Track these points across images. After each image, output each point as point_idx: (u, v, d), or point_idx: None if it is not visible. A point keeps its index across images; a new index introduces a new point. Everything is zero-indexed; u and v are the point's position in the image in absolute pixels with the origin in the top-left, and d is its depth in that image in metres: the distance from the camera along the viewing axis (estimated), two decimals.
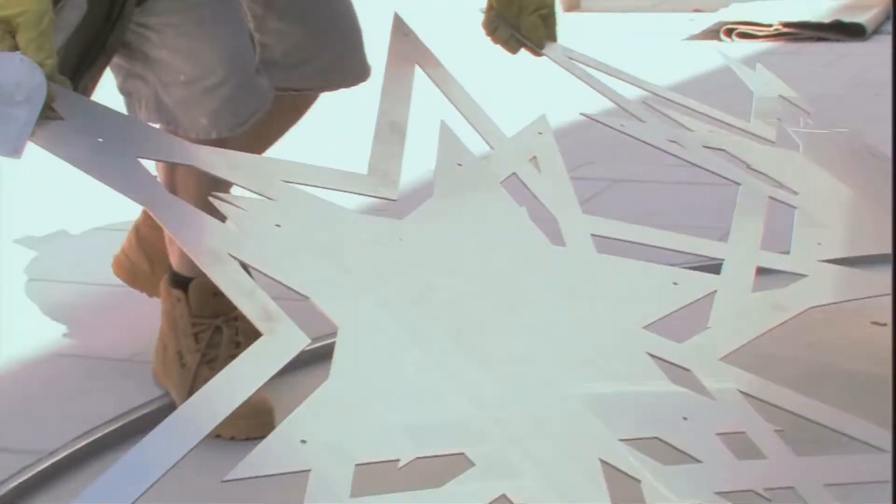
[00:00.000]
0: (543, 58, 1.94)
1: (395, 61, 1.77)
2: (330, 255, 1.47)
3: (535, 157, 1.73)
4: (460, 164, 1.67)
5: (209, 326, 1.87)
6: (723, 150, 1.92)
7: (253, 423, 1.76)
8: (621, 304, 1.59)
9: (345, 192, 1.56)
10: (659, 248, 1.70)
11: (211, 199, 1.47)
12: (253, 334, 1.68)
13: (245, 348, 1.60)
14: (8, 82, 1.40)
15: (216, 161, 1.53)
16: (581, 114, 1.86)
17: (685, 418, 1.47)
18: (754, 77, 2.19)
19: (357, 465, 1.28)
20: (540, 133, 1.77)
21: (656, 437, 1.43)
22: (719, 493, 1.38)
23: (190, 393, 1.81)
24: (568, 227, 1.65)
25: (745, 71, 2.19)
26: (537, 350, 1.50)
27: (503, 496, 1.30)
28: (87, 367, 2.03)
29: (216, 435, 1.69)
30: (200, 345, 1.86)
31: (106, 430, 1.80)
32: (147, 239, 2.12)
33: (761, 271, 1.71)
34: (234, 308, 1.71)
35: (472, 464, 1.33)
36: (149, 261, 2.13)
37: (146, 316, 2.08)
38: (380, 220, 1.56)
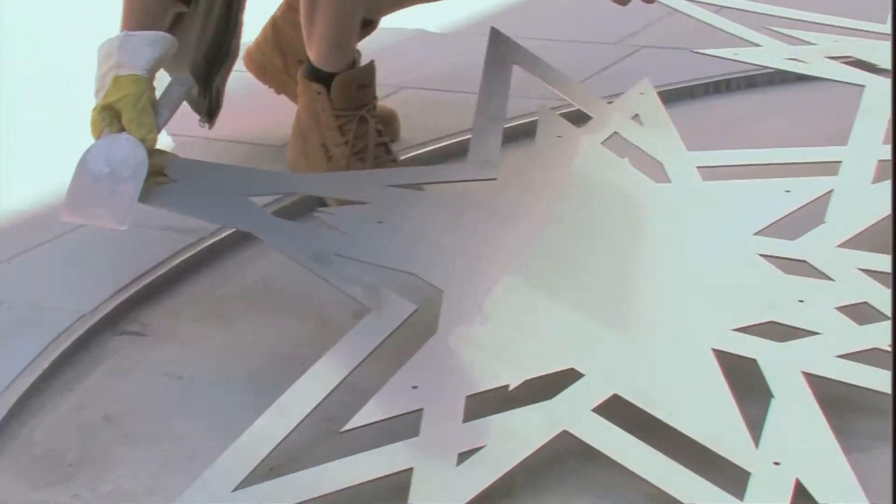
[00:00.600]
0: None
1: (493, 64, 1.84)
2: (427, 236, 1.53)
3: (637, 116, 1.76)
4: (560, 136, 1.71)
5: (353, 118, 1.89)
6: (848, 56, 1.93)
7: None
8: (730, 218, 1.57)
9: (447, 182, 1.63)
10: (770, 164, 1.68)
11: (316, 214, 1.58)
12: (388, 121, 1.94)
13: (385, 135, 1.83)
14: (117, 159, 1.57)
15: (318, 183, 1.63)
16: (692, 51, 1.90)
17: (801, 301, 1.44)
18: None
19: (468, 396, 1.32)
20: (642, 94, 1.80)
21: (771, 321, 1.40)
22: (840, 356, 1.35)
23: None
24: (672, 166, 1.66)
25: None
26: (647, 268, 1.52)
27: (615, 396, 1.31)
28: (243, 151, 2.07)
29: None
30: (347, 136, 1.88)
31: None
32: (284, 34, 2.13)
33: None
34: (374, 98, 1.90)
35: (581, 375, 1.34)
36: (282, 56, 2.13)
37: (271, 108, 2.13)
38: (473, 199, 1.59)
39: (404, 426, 1.30)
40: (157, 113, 1.62)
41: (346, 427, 1.30)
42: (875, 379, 1.33)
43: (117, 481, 1.33)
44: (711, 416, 1.29)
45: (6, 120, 2.23)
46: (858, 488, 1.20)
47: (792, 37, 1.97)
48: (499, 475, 1.24)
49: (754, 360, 1.35)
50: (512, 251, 1.53)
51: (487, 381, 1.34)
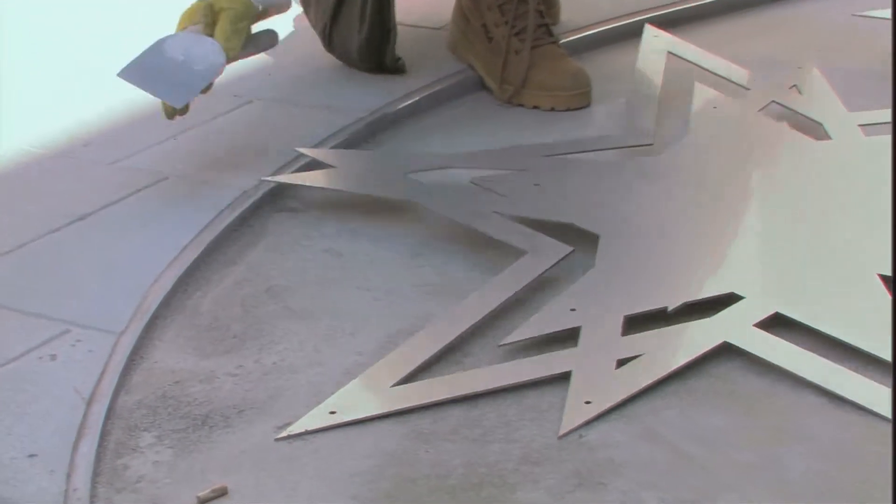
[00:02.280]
0: None
1: (647, 52, 1.91)
2: (582, 194, 1.58)
3: (794, 86, 1.78)
4: (715, 107, 1.75)
5: None
6: None
7: (573, 94, 1.88)
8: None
9: (605, 149, 1.68)
10: None
11: (472, 183, 1.63)
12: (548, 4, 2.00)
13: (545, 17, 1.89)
14: (196, 53, 1.68)
15: (476, 159, 1.69)
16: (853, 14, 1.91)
17: None
18: None
19: (626, 315, 1.37)
20: (800, 67, 1.82)
21: None
22: None
23: (504, 64, 1.89)
24: (833, 125, 1.69)
25: None
26: (807, 210, 1.55)
27: (776, 314, 1.35)
28: (403, 33, 2.05)
29: (534, 106, 1.89)
30: (507, 17, 1.91)
31: (423, 94, 1.91)
32: None
33: None
34: None
35: (740, 297, 1.38)
36: None
37: None
38: (629, 163, 1.64)
39: (562, 346, 1.35)
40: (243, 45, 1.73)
41: (505, 341, 1.36)
42: None
43: (281, 353, 1.39)
44: (881, 332, 1.32)
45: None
46: None
47: None
48: (658, 377, 1.29)
49: None
50: (669, 201, 1.58)
51: (645, 304, 1.38)
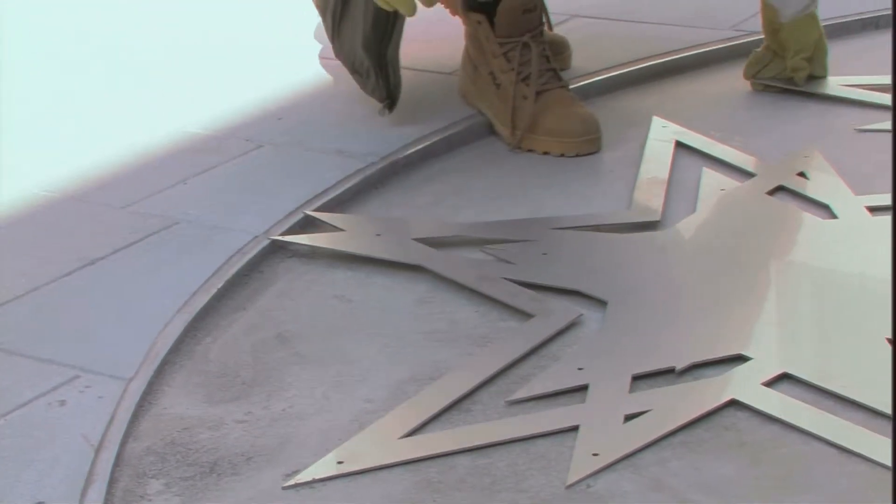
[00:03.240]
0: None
1: (654, 139, 1.93)
2: (590, 263, 1.62)
3: (802, 172, 1.81)
4: (723, 189, 1.78)
5: (517, 44, 1.94)
6: None
7: (583, 140, 1.90)
8: None
9: (613, 223, 1.71)
10: None
11: (482, 252, 1.66)
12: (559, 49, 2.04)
13: (553, 62, 1.93)
14: None
15: (484, 230, 1.71)
16: (856, 129, 1.93)
17: None
18: None
19: (633, 374, 1.39)
20: (807, 156, 1.85)
21: None
22: None
23: (513, 110, 1.91)
24: (840, 206, 1.72)
25: None
26: (816, 279, 1.57)
27: (784, 373, 1.37)
28: (414, 77, 2.11)
29: (544, 152, 1.91)
30: (513, 63, 1.93)
31: (433, 140, 1.93)
32: None
33: None
34: (540, 23, 1.96)
35: (748, 359, 1.40)
36: None
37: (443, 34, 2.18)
38: (636, 237, 1.68)
39: (571, 402, 1.37)
40: None
41: (514, 397, 1.39)
42: None
43: (290, 400, 1.41)
44: (887, 388, 1.34)
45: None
46: None
47: None
48: (666, 430, 1.31)
49: None
50: (676, 271, 1.62)
51: (653, 364, 1.41)
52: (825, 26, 2.09)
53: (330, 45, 2.05)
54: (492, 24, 1.94)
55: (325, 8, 2.02)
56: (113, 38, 2.40)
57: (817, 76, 2.06)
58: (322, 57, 2.24)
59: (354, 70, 1.98)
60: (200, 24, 2.46)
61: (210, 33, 2.42)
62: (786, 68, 2.04)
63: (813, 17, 2.03)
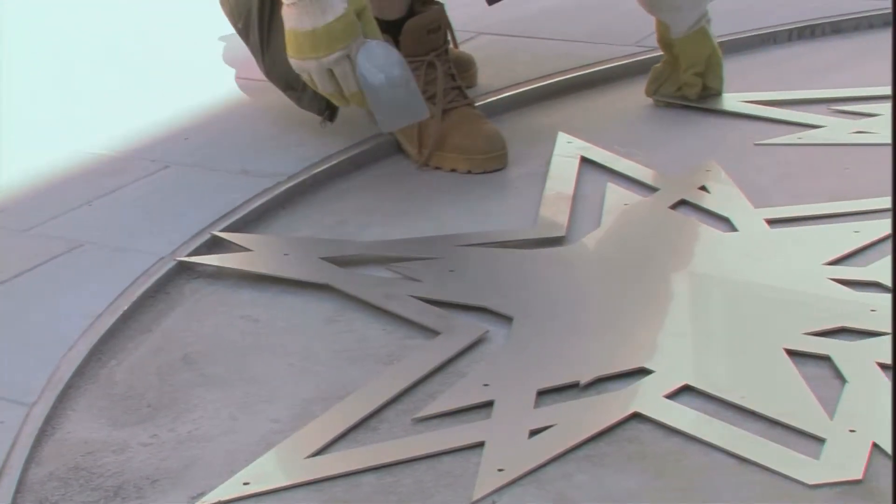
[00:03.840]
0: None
1: (560, 155, 1.95)
2: (496, 280, 1.63)
3: (703, 186, 1.84)
4: (626, 204, 1.81)
5: (422, 63, 1.95)
6: None
7: (489, 156, 1.91)
8: (799, 252, 1.65)
9: (519, 240, 1.73)
10: (842, 213, 1.74)
11: (389, 270, 1.66)
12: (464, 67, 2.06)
13: (458, 80, 1.96)
14: (383, 64, 1.78)
15: (390, 248, 1.71)
16: (755, 143, 1.96)
17: (873, 310, 1.51)
18: None
19: (539, 391, 1.41)
20: (708, 170, 1.88)
21: (842, 327, 1.48)
22: None
23: (420, 127, 1.91)
24: (740, 219, 1.74)
25: None
26: (714, 290, 1.60)
27: (685, 385, 1.40)
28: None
29: (451, 169, 1.92)
30: (419, 82, 1.92)
31: (340, 159, 1.93)
32: None
33: None
34: (444, 42, 1.97)
35: (651, 372, 1.42)
36: None
37: None
38: (542, 251, 1.69)
39: (476, 418, 1.38)
40: None
41: (420, 414, 1.40)
42: None
43: (196, 422, 1.40)
44: (784, 399, 1.38)
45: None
46: None
47: (858, 113, 2.04)
48: (570, 444, 1.33)
49: (827, 356, 1.43)
50: (581, 286, 1.63)
51: (557, 378, 1.43)
52: (723, 42, 2.13)
53: (247, 64, 2.03)
54: (397, 43, 1.95)
55: (247, 25, 2.01)
56: (15, 50, 2.37)
57: (712, 90, 2.08)
58: (239, 77, 2.23)
59: (288, 86, 1.96)
60: (109, 39, 2.45)
61: (119, 48, 2.40)
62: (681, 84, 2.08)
63: (704, 33, 2.05)
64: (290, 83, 1.95)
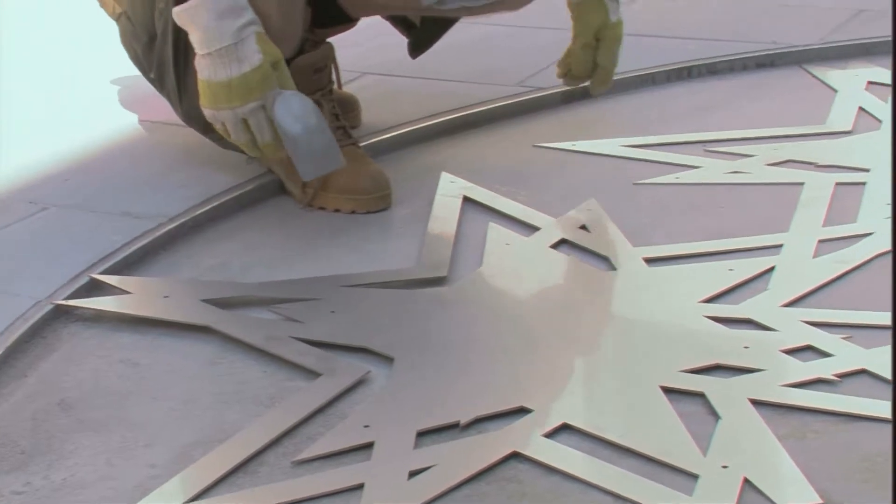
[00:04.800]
0: None
1: (443, 195, 1.96)
2: (377, 320, 1.64)
3: (583, 225, 1.86)
4: (508, 244, 1.82)
5: None
6: (788, 160, 2.04)
7: (373, 197, 1.91)
8: (675, 290, 1.67)
9: (401, 280, 1.73)
10: (717, 252, 1.77)
11: (271, 311, 1.65)
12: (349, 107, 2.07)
13: (343, 120, 1.95)
14: (300, 114, 1.77)
15: (277, 288, 1.70)
16: (634, 183, 1.99)
17: (746, 347, 1.54)
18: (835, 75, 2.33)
19: (419, 431, 1.41)
20: (589, 210, 1.90)
21: (717, 363, 1.51)
22: (786, 385, 1.46)
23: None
24: (619, 258, 1.77)
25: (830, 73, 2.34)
26: (591, 330, 1.62)
27: (564, 424, 1.41)
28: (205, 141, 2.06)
29: (335, 209, 1.92)
30: None
31: (223, 199, 1.92)
32: None
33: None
34: (330, 82, 1.98)
35: (530, 411, 1.43)
36: None
37: None
38: (423, 292, 1.70)
39: (357, 459, 1.38)
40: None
41: (300, 457, 1.39)
42: (823, 401, 1.44)
43: (71, 469, 1.38)
44: (660, 436, 1.39)
45: None
46: (805, 481, 1.31)
47: (733, 153, 2.08)
48: (449, 485, 1.33)
49: (702, 393, 1.45)
50: (462, 326, 1.64)
51: (438, 419, 1.43)
52: (630, 77, 2.14)
53: (148, 106, 2.01)
54: None
55: (161, 74, 1.99)
56: None
57: (602, 68, 2.08)
58: (142, 120, 2.20)
59: (208, 129, 1.93)
60: None
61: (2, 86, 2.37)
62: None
63: (600, 1, 2.05)
64: (209, 126, 1.92)
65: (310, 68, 1.95)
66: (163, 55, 1.95)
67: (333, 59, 2.01)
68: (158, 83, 2.00)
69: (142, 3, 1.99)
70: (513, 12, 2.07)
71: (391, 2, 2.06)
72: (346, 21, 2.12)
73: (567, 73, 2.15)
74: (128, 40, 2.05)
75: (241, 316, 1.65)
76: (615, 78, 2.26)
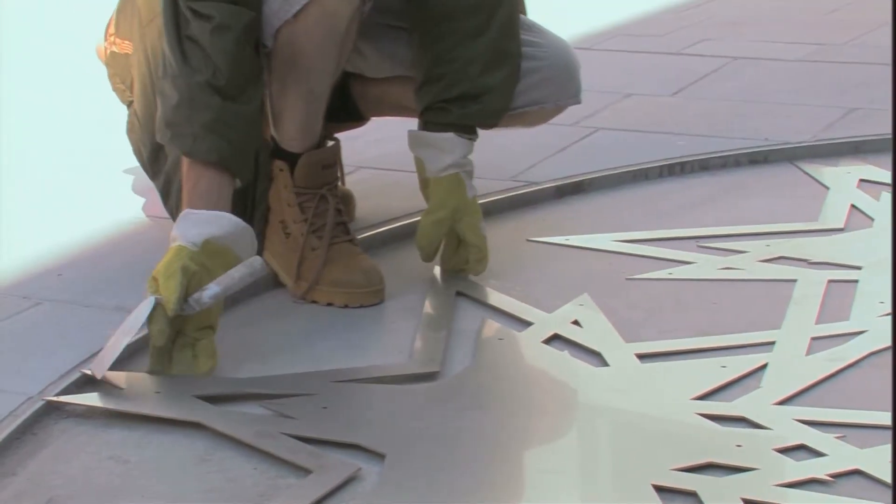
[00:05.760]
0: None
1: (436, 290, 1.96)
2: (369, 416, 1.63)
3: (576, 320, 1.86)
4: (501, 339, 1.82)
5: (314, 196, 1.93)
6: (780, 256, 2.04)
7: (366, 291, 1.90)
8: (669, 391, 1.66)
9: (394, 375, 1.72)
10: (709, 348, 1.76)
11: (262, 407, 1.64)
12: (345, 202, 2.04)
13: (343, 215, 1.94)
14: (132, 315, 1.69)
15: (268, 384, 1.69)
16: (627, 278, 1.99)
17: (739, 445, 1.53)
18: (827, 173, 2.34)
19: None
20: (581, 305, 1.90)
21: (709, 462, 1.50)
22: (779, 485, 1.44)
23: (300, 260, 1.90)
24: (611, 354, 1.76)
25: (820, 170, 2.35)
26: (583, 429, 1.61)
27: None
28: None
29: (328, 303, 1.91)
30: (307, 214, 1.92)
31: None
32: None
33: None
34: (336, 178, 1.96)
35: None
36: None
37: None
38: (416, 387, 1.69)
39: None
40: (204, 288, 1.70)
41: None
42: (817, 502, 1.43)
43: None
44: None
45: None
46: None
47: (726, 249, 2.09)
48: None
49: (694, 492, 1.44)
50: (453, 422, 1.62)
51: None
52: (599, 178, 2.15)
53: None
54: (292, 173, 1.95)
55: (168, 189, 1.99)
56: None
57: (470, 244, 1.96)
58: (150, 212, 2.20)
59: None
60: None
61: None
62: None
63: (458, 181, 1.95)
64: None
65: (319, 164, 1.96)
66: (171, 175, 1.97)
67: (340, 157, 2.02)
68: (163, 196, 2.03)
69: (147, 107, 2.00)
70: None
71: (404, 104, 2.07)
72: (357, 118, 2.15)
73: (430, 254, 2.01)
74: (135, 138, 2.07)
75: (232, 412, 1.64)
76: (611, 173, 2.27)
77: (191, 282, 1.69)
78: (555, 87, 2.02)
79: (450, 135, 1.95)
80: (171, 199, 1.99)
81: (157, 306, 1.67)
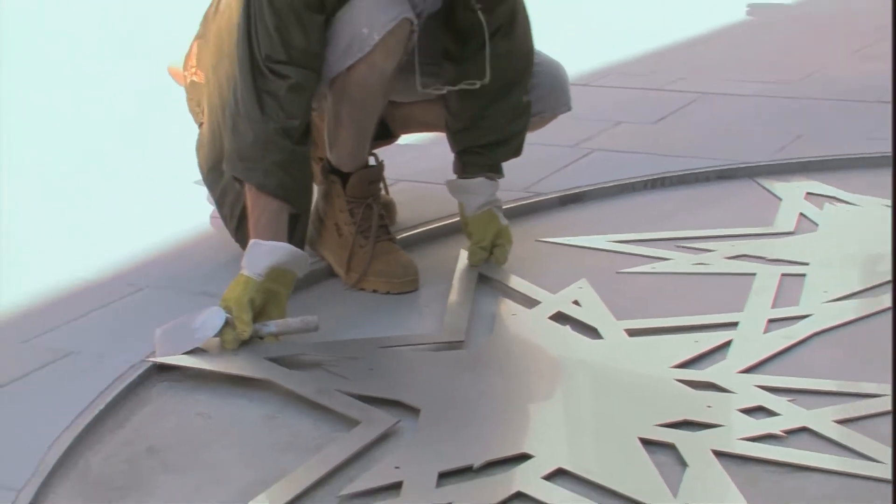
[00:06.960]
0: None
1: (463, 270, 1.96)
2: (408, 377, 1.62)
3: (576, 300, 1.84)
4: (514, 314, 1.81)
5: (361, 203, 1.94)
6: (743, 254, 2.02)
7: (404, 280, 1.89)
8: (652, 360, 1.65)
9: (427, 343, 1.72)
10: (685, 326, 1.75)
11: (322, 368, 1.64)
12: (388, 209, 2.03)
13: (385, 219, 1.94)
14: (202, 319, 1.68)
15: (322, 349, 1.68)
16: (618, 272, 1.97)
17: (709, 406, 1.52)
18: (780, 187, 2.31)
19: (440, 473, 1.38)
20: (580, 288, 1.89)
21: (685, 420, 1.48)
22: (742, 439, 1.43)
23: (350, 256, 1.90)
24: (605, 329, 1.75)
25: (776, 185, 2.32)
26: (583, 389, 1.60)
27: (559, 469, 1.39)
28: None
29: (373, 290, 1.89)
30: (355, 218, 1.93)
31: None
32: (317, 129, 2.02)
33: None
34: (379, 190, 1.97)
35: (531, 456, 1.41)
36: (314, 147, 2.00)
37: None
38: (445, 353, 1.69)
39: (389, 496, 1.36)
40: (266, 323, 1.70)
41: (342, 492, 1.37)
42: (773, 453, 1.42)
43: (156, 503, 1.36)
44: (638, 480, 1.37)
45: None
46: None
47: (698, 248, 2.07)
48: None
49: (672, 445, 1.42)
50: (477, 384, 1.61)
51: (456, 462, 1.41)
52: (593, 190, 2.13)
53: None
54: (343, 186, 1.95)
55: (222, 199, 1.98)
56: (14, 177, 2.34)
57: (497, 261, 1.96)
58: (213, 217, 2.18)
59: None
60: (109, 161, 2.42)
61: (99, 183, 2.38)
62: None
63: (492, 215, 1.99)
64: None
65: (367, 180, 1.97)
66: (226, 188, 1.95)
67: (383, 174, 2.02)
68: (218, 204, 2.01)
69: (212, 131, 1.99)
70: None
71: (430, 121, 2.08)
72: (388, 136, 2.15)
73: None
74: (202, 153, 2.06)
75: (296, 372, 1.62)
76: (605, 186, 2.27)
77: (255, 312, 1.71)
78: (551, 100, 2.05)
79: (480, 179, 1.99)
80: (225, 207, 1.99)
81: (227, 324, 1.67)
